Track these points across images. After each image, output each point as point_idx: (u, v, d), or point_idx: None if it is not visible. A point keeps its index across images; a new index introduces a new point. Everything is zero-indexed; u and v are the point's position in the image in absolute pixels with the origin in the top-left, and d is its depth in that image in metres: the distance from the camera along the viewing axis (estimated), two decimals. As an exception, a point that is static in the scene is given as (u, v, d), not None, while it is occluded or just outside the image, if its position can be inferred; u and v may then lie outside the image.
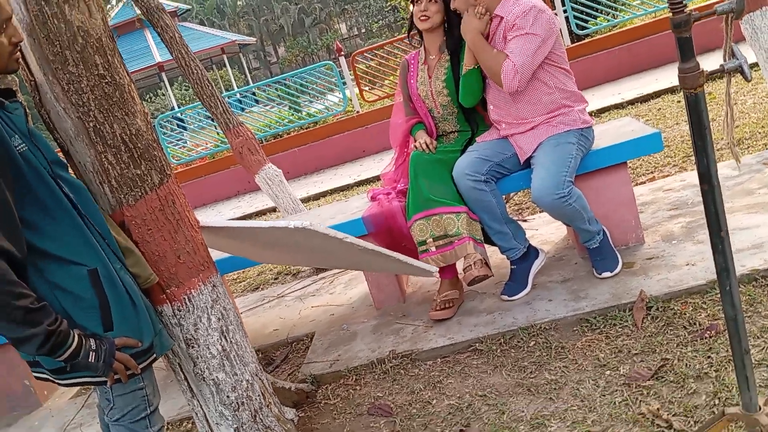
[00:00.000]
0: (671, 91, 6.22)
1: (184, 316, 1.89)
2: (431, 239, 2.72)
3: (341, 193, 6.85)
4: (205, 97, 4.19)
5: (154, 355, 1.68)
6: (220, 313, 1.97)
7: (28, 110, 1.61)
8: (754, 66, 5.07)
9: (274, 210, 6.86)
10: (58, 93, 1.68)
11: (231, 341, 2.00)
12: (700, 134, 1.20)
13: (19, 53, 1.54)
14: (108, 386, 1.62)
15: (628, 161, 2.84)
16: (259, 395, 2.06)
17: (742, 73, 1.17)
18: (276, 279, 4.40)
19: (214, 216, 7.79)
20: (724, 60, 1.19)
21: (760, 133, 4.04)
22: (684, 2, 1.15)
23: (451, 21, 2.85)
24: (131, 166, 1.79)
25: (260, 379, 2.10)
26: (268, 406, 2.08)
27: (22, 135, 1.49)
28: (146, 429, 1.70)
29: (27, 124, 1.53)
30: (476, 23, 2.64)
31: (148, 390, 1.69)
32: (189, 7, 28.39)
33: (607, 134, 2.97)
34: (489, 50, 2.63)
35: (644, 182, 3.84)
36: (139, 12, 4.38)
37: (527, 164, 2.75)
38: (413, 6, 2.87)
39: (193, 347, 1.90)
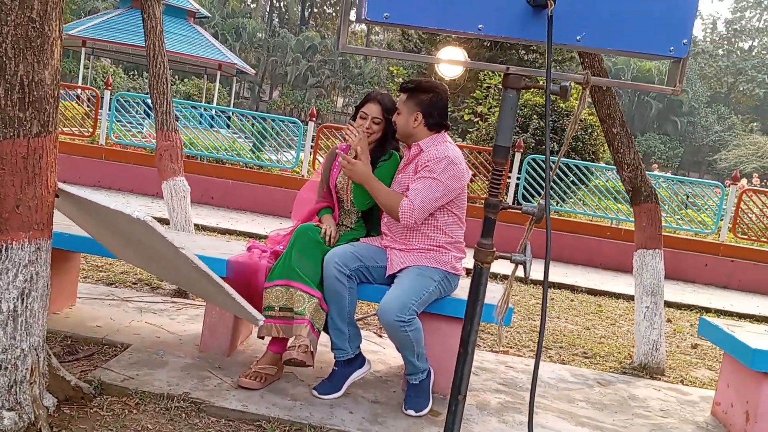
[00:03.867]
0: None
1: (-7, 262, 1.89)
2: (278, 308, 2.79)
3: (246, 238, 6.86)
4: (156, 92, 4.28)
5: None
6: (30, 276, 1.98)
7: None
8: (631, 298, 5.50)
9: (166, 223, 6.78)
10: (-17, 15, 1.75)
11: (27, 306, 1.99)
12: (473, 303, 1.36)
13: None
14: None
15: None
16: (27, 369, 2.02)
17: (524, 268, 1.35)
18: (135, 284, 4.33)
19: (121, 203, 7.62)
20: (518, 252, 1.37)
21: (615, 356, 4.33)
22: (499, 191, 1.34)
23: (386, 136, 3.05)
24: (16, 107, 1.85)
25: (37, 355, 2.07)
26: (30, 383, 2.04)
27: None
28: None
29: None
30: (362, 168, 2.79)
31: None
32: (209, 15, 28.84)
33: (475, 292, 3.17)
34: (384, 191, 2.81)
35: (498, 351, 4.04)
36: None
37: (391, 281, 2.89)
38: (359, 116, 3.05)
39: (-16, 293, 1.89)
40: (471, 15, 1.22)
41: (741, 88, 43.69)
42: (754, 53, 45.57)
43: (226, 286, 2.14)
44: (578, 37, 1.29)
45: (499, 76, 11.54)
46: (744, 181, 13.37)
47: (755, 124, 42.35)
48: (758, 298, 7.83)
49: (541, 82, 1.27)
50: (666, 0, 1.29)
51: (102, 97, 9.37)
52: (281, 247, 3.05)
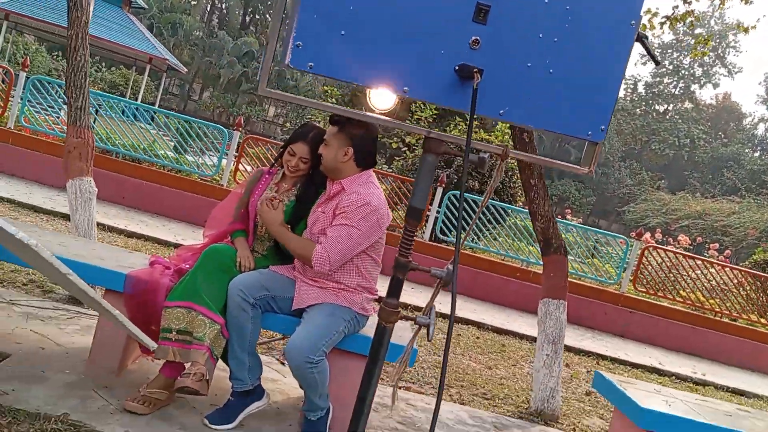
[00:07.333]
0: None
1: None
2: (176, 331, 2.67)
3: (155, 244, 6.60)
4: (72, 85, 4.06)
5: None
6: None
7: None
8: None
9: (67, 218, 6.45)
10: None
11: None
12: (374, 359, 1.33)
13: None
14: None
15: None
16: None
17: (427, 330, 1.34)
18: (25, 285, 4.05)
19: (24, 190, 7.17)
20: (423, 314, 1.36)
21: (513, 399, 4.42)
22: (410, 251, 1.32)
23: (315, 173, 2.97)
24: None
25: None
26: None
27: None
28: None
29: None
30: (274, 216, 2.78)
31: None
32: (146, 6, 27.95)
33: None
34: (295, 240, 2.77)
35: (401, 386, 4.03)
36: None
37: (298, 314, 2.82)
38: (287, 152, 2.97)
39: None
40: (397, 76, 1.21)
41: (653, 147, 46.51)
42: (668, 117, 48.70)
43: (116, 313, 2.03)
44: (501, 111, 1.30)
45: (432, 109, 11.75)
46: (648, 235, 14.12)
47: (662, 182, 45.09)
48: (651, 349, 8.23)
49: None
50: (587, 88, 1.32)
51: (16, 77, 8.83)
52: (187, 266, 2.93)
